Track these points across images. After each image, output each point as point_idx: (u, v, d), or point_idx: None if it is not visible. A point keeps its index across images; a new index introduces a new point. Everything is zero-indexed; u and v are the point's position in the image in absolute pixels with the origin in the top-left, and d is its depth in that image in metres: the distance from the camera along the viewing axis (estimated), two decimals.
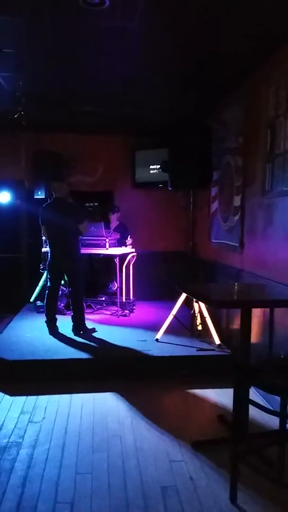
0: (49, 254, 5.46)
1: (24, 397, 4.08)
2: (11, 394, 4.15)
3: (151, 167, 7.32)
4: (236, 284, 4.19)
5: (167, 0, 3.24)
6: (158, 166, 6.62)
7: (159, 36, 3.85)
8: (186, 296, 5.10)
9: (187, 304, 5.56)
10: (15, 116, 4.98)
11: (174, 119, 6.28)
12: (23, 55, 4.22)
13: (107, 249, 6.29)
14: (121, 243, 6.74)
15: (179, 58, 4.30)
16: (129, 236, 6.93)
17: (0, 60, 3.96)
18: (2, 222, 7.43)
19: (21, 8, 3.39)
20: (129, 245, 6.82)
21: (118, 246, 6.57)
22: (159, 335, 5.18)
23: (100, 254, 6.40)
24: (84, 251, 5.97)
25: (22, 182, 7.31)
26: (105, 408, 3.88)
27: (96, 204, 7.58)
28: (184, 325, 5.37)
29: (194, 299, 5.07)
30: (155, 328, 5.39)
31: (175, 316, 5.23)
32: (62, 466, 2.97)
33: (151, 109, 6.03)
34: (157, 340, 5.13)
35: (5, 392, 4.19)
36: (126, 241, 6.83)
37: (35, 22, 3.61)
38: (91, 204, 7.60)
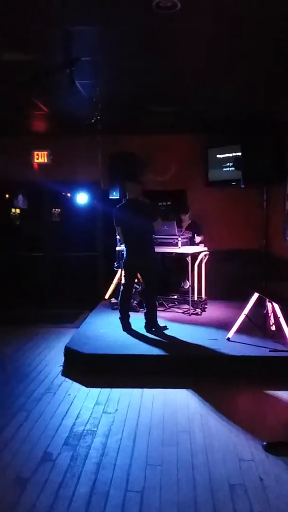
0: (124, 253, 5.64)
1: (98, 389, 4.27)
2: (87, 386, 4.36)
3: (224, 165, 7.26)
4: None
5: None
6: (231, 164, 6.55)
7: (231, 35, 3.84)
8: (259, 295, 5.01)
9: (260, 303, 5.46)
10: (92, 121, 5.20)
11: (247, 115, 6.19)
12: (100, 62, 4.41)
13: (179, 247, 6.35)
14: (193, 242, 6.77)
15: (251, 57, 4.25)
16: (198, 235, 6.93)
17: (79, 68, 4.16)
18: (80, 222, 7.79)
19: (97, 17, 3.56)
20: (199, 243, 6.83)
21: (190, 245, 6.60)
22: (230, 334, 5.14)
23: (173, 252, 6.48)
24: (157, 250, 6.08)
25: (98, 183, 7.60)
26: (175, 404, 3.95)
27: (169, 203, 7.67)
28: (256, 325, 5.28)
29: (267, 299, 4.97)
30: (226, 327, 5.36)
31: (247, 316, 5.16)
32: (133, 457, 3.09)
33: (223, 106, 5.99)
34: (228, 339, 5.11)
35: (82, 384, 4.42)
36: (195, 239, 6.84)
37: (110, 29, 3.77)
38: (164, 203, 7.70)
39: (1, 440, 3.33)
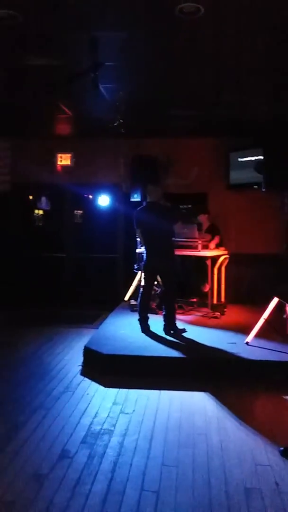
0: (144, 255, 5.68)
1: (116, 389, 4.31)
2: (105, 386, 4.41)
3: (245, 168, 7.23)
4: None
5: (262, 2, 3.24)
6: (253, 167, 6.53)
7: (254, 39, 3.85)
8: (279, 300, 4.98)
9: (280, 308, 5.41)
10: (115, 124, 5.27)
11: (269, 119, 6.16)
12: (123, 66, 4.47)
13: (199, 250, 6.36)
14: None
15: (275, 60, 4.24)
16: (216, 237, 6.92)
17: (103, 73, 4.23)
18: (101, 224, 7.88)
19: (121, 23, 3.62)
20: (214, 244, 6.80)
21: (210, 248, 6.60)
22: (249, 338, 5.12)
23: (193, 255, 6.49)
24: (176, 252, 6.10)
25: (119, 185, 7.67)
26: (192, 406, 3.96)
27: (189, 206, 7.68)
28: (276, 330, 5.24)
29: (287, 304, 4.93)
30: (245, 331, 5.33)
31: (266, 320, 5.13)
32: (150, 457, 3.11)
33: (245, 110, 5.99)
34: (247, 343, 5.08)
35: (100, 383, 4.47)
36: (213, 241, 6.83)
37: (133, 35, 3.82)
38: (185, 206, 7.72)
39: (21, 436, 3.40)
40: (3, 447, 3.22)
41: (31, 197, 8.72)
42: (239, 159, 7.33)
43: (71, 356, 5.33)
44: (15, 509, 2.55)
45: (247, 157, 7.16)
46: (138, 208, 5.77)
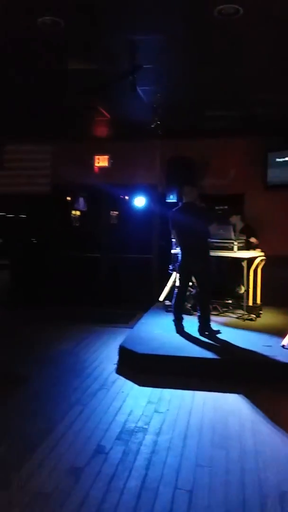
0: (179, 256, 5.70)
1: (150, 389, 4.36)
2: (140, 385, 4.46)
3: (284, 168, 7.13)
4: None
5: None
6: None
7: None
8: None
9: None
10: (152, 126, 5.33)
11: None
12: (161, 68, 4.52)
13: (235, 252, 6.32)
14: (249, 246, 6.70)
15: None
16: (251, 238, 6.85)
17: (141, 75, 4.29)
18: (136, 225, 7.95)
19: (159, 26, 3.67)
20: (253, 246, 6.73)
21: (246, 249, 6.54)
22: (285, 341, 5.04)
23: (228, 257, 6.46)
24: (212, 253, 6.09)
25: (155, 186, 7.72)
26: (226, 408, 3.95)
27: (225, 207, 7.63)
28: None
29: None
30: (281, 334, 5.26)
31: None
32: (183, 456, 3.14)
33: (283, 109, 5.91)
34: (283, 346, 5.01)
35: (134, 382, 4.53)
36: (250, 240, 6.76)
37: (172, 37, 3.86)
38: (221, 207, 7.67)
39: (58, 430, 3.50)
40: (42, 441, 3.33)
41: (69, 198, 8.90)
42: (277, 159, 7.23)
43: (107, 355, 5.42)
44: (53, 501, 2.64)
45: (285, 157, 7.05)
46: (174, 209, 5.79)
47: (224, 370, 4.65)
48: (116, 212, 8.89)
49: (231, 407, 3.96)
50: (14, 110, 6.14)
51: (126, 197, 8.71)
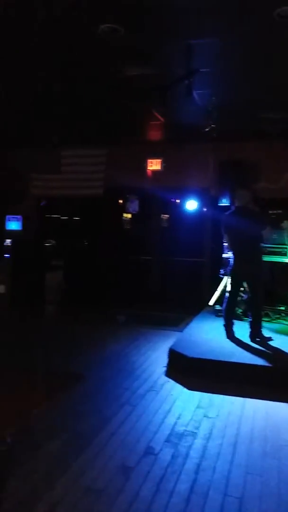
0: (231, 260, 5.64)
1: (200, 393, 4.34)
2: (189, 388, 4.46)
3: None
4: None
5: None
6: None
7: None
8: None
9: None
10: (206, 129, 5.32)
11: None
12: (217, 72, 4.51)
13: None
14: None
15: None
16: None
17: (197, 79, 4.31)
18: (187, 228, 7.94)
19: (217, 30, 3.67)
20: None
21: None
22: None
23: (281, 262, 6.31)
24: (265, 258, 5.97)
25: (208, 190, 7.68)
26: (279, 417, 3.86)
27: (280, 211, 7.45)
28: None
29: None
30: None
31: None
32: (233, 463, 3.11)
33: None
34: None
35: (184, 386, 4.53)
36: None
37: (229, 41, 3.85)
38: (275, 211, 7.50)
39: (109, 429, 3.57)
40: (93, 438, 3.41)
41: (120, 201, 9.05)
42: None
43: (156, 357, 5.45)
44: (104, 498, 2.70)
45: None
46: (227, 213, 5.74)
47: (276, 378, 4.54)
48: (167, 215, 8.93)
49: (284, 417, 3.87)
50: (71, 115, 6.34)
51: (178, 201, 8.72)
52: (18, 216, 8.50)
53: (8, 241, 8.25)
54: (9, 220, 8.53)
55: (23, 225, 8.48)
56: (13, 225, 8.51)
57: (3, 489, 2.26)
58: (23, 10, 3.45)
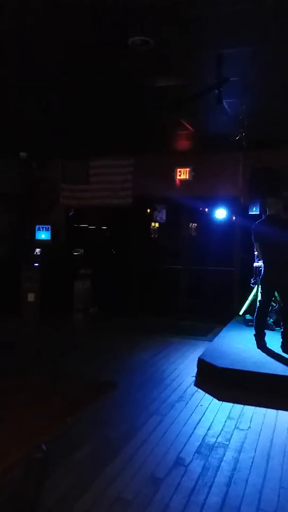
0: (262, 269, 5.55)
1: (230, 404, 4.26)
2: (219, 399, 4.38)
3: None
4: None
5: None
6: None
7: None
8: None
9: None
10: (237, 138, 5.28)
11: None
12: (247, 81, 4.48)
13: None
14: None
15: None
16: None
17: (227, 88, 4.29)
18: (218, 237, 7.88)
19: (247, 39, 3.66)
20: None
21: None
22: None
23: None
24: None
25: (238, 198, 7.61)
26: None
27: None
28: None
29: None
30: None
31: None
32: (266, 477, 3.02)
33: None
34: None
35: (214, 396, 4.46)
36: None
37: (261, 49, 3.82)
38: None
39: (138, 439, 3.54)
40: (122, 446, 3.39)
41: (148, 210, 9.07)
42: None
43: (185, 366, 5.40)
44: (134, 507, 2.67)
45: None
46: (257, 221, 5.67)
47: None
48: (195, 224, 8.88)
49: None
50: (101, 125, 6.42)
51: (206, 209, 8.68)
52: (47, 226, 8.64)
53: (37, 250, 8.39)
54: (39, 230, 8.68)
55: (52, 234, 8.61)
56: (43, 234, 8.66)
57: (38, 497, 2.26)
58: (52, 20, 3.51)
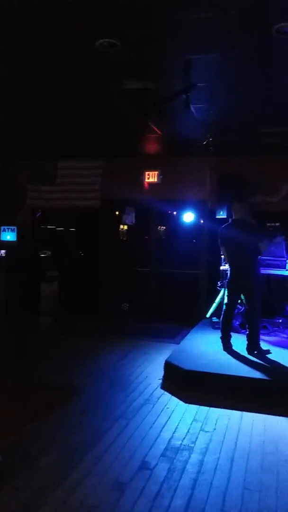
0: (228, 272, 5.62)
1: (196, 406, 4.28)
2: (185, 401, 4.40)
3: None
4: None
5: None
6: None
7: None
8: None
9: None
10: (204, 142, 5.34)
11: None
12: (215, 86, 4.53)
13: (287, 270, 6.15)
14: None
15: None
16: None
17: (195, 93, 4.33)
18: (185, 240, 7.94)
19: (216, 45, 3.70)
20: None
21: None
22: None
23: (279, 274, 6.29)
24: (262, 271, 5.96)
25: (205, 202, 7.69)
26: (276, 431, 3.80)
27: (277, 224, 7.48)
28: None
29: None
30: None
31: None
32: (231, 479, 3.05)
33: None
34: None
35: (180, 399, 4.47)
36: None
37: (227, 56, 3.87)
38: (273, 224, 7.53)
39: (103, 443, 3.50)
40: (86, 452, 3.34)
41: (117, 213, 9.05)
42: None
43: (152, 369, 5.39)
44: None
45: None
46: (223, 225, 5.74)
47: (274, 391, 4.48)
48: (164, 227, 8.93)
49: (282, 431, 3.81)
50: (68, 128, 6.35)
51: (175, 213, 8.74)
52: (13, 227, 8.46)
53: (2, 252, 8.21)
54: (4, 231, 8.49)
55: (18, 235, 8.44)
56: (8, 235, 8.47)
57: None
58: (21, 21, 3.45)
